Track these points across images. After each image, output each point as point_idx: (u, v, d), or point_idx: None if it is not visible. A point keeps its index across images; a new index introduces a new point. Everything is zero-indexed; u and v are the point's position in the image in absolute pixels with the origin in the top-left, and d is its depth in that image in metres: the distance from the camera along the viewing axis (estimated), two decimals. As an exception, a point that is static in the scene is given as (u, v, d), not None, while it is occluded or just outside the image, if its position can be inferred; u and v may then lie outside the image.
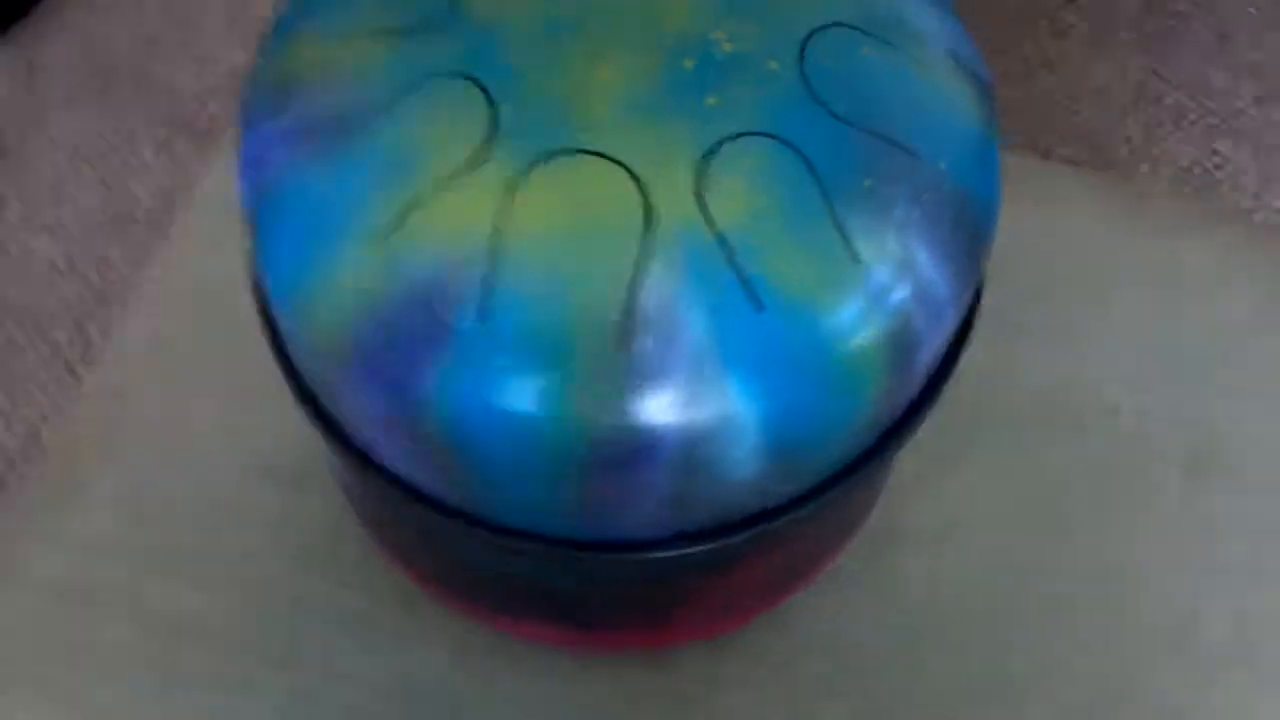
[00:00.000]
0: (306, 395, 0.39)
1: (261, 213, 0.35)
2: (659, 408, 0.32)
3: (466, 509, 0.37)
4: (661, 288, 0.32)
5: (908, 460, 0.53)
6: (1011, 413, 0.54)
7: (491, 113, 0.34)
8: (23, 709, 0.49)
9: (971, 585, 0.50)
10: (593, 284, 0.32)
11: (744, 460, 0.34)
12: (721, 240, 0.32)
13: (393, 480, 0.38)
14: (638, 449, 0.33)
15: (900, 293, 0.34)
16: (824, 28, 0.35)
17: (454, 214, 0.33)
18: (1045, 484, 0.53)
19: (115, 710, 0.48)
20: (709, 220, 0.33)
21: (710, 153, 0.33)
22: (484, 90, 0.34)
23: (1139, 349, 0.56)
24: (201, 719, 0.48)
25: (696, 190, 0.33)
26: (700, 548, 0.37)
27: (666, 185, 0.33)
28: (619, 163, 0.33)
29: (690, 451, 0.33)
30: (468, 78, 0.34)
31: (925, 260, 0.34)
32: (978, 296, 0.41)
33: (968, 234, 0.36)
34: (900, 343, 0.34)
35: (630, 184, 0.33)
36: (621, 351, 0.32)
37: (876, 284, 0.33)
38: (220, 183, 0.62)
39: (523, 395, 0.32)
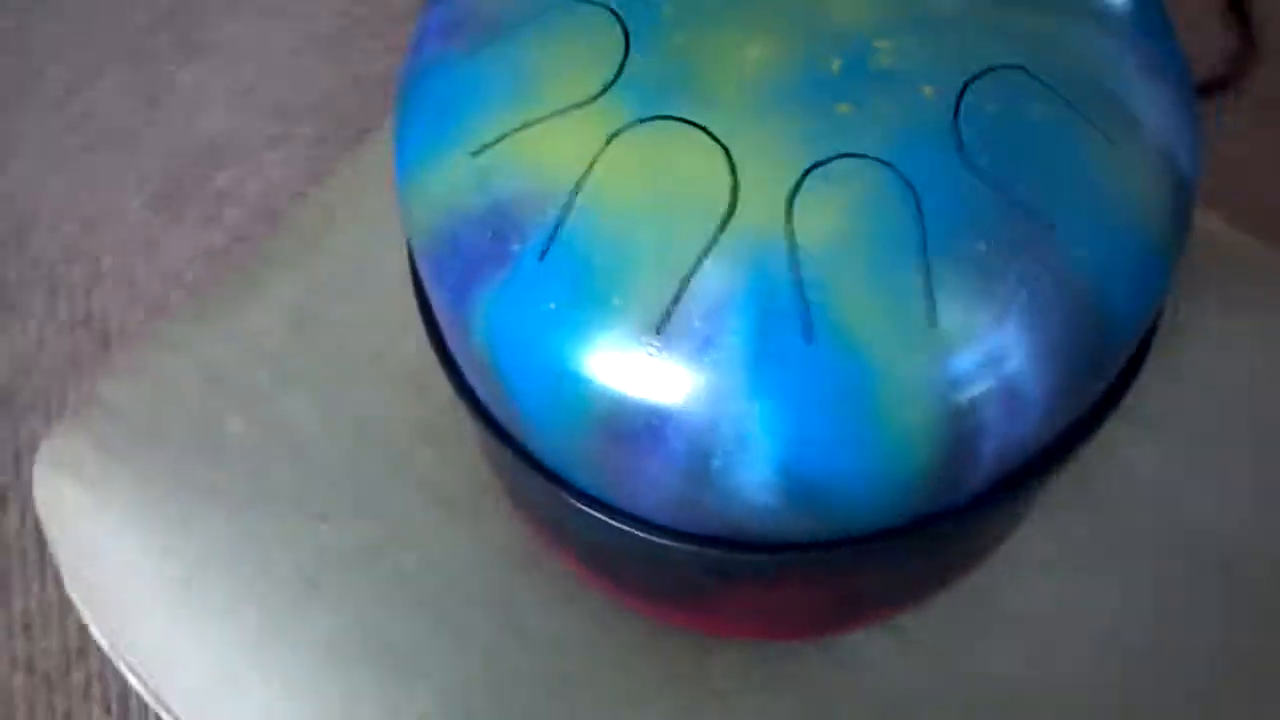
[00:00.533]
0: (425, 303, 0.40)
1: (404, 97, 0.36)
2: (674, 396, 0.31)
3: (514, 438, 0.38)
4: (718, 284, 0.31)
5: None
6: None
7: (622, 59, 0.33)
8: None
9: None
10: (651, 259, 0.31)
11: (755, 484, 0.32)
12: (794, 255, 0.30)
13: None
14: (646, 428, 0.32)
15: (975, 375, 0.31)
16: (1002, 68, 0.32)
17: (552, 148, 0.32)
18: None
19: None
20: (790, 231, 0.31)
21: (820, 163, 0.31)
22: (625, 32, 0.33)
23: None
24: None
25: (789, 197, 0.31)
26: (710, 551, 0.36)
27: (761, 182, 0.31)
28: (722, 144, 0.31)
29: (698, 452, 0.32)
30: (615, 14, 0.33)
31: (1018, 350, 0.31)
32: (1107, 403, 0.36)
33: (1088, 336, 0.32)
34: (960, 428, 0.31)
35: (725, 170, 0.31)
36: (656, 336, 0.31)
37: (948, 357, 0.30)
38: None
39: (555, 343, 0.32)
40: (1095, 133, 0.32)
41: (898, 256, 0.30)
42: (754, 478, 0.32)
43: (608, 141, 0.32)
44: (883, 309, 0.30)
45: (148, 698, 0.54)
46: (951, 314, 0.30)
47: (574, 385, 0.32)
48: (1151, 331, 0.38)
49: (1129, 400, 0.48)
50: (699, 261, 0.31)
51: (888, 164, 0.31)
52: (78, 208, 1.08)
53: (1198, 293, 0.51)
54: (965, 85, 0.32)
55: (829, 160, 0.31)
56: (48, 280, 1.04)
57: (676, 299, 0.31)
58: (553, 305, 0.32)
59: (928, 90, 0.32)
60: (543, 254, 0.32)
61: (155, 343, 0.57)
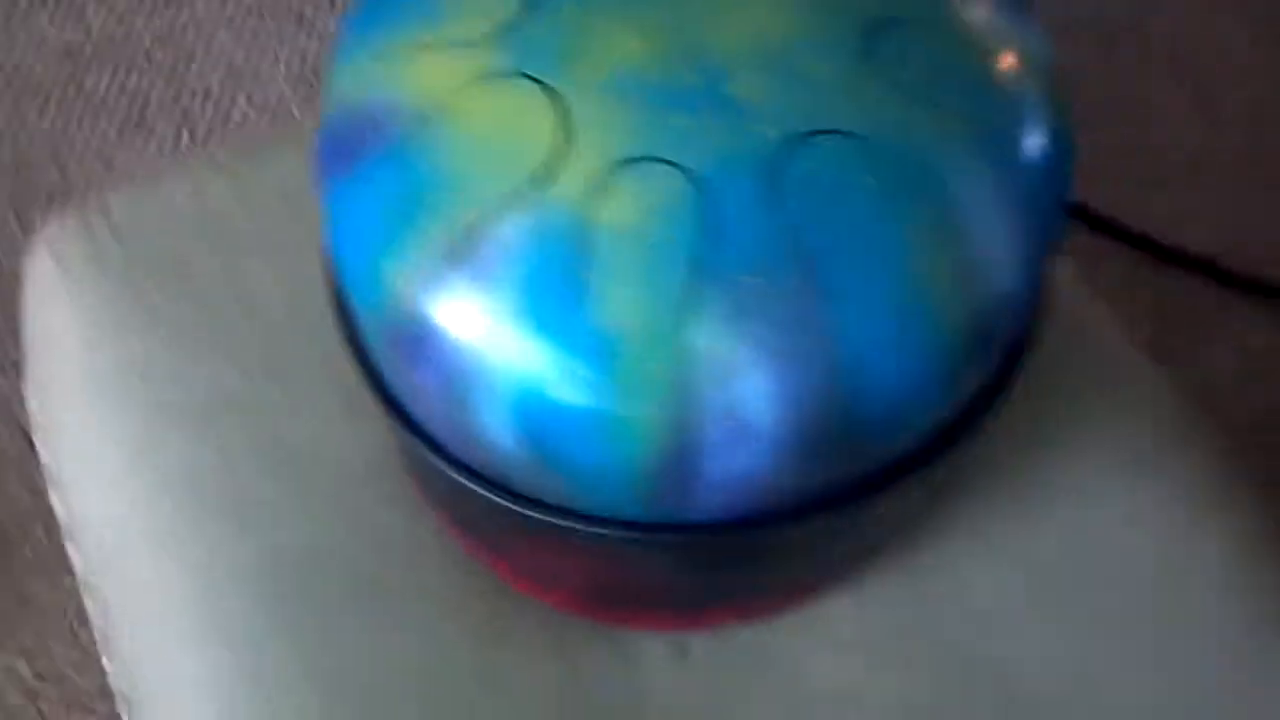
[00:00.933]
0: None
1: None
2: (445, 317, 0.34)
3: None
4: (511, 231, 0.33)
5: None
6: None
7: (516, 13, 0.36)
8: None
9: None
10: (463, 191, 0.34)
11: (496, 424, 0.35)
12: (584, 230, 0.33)
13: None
14: (415, 340, 0.35)
15: (705, 393, 0.33)
16: (847, 134, 0.34)
17: (426, 72, 0.36)
18: None
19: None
20: (587, 207, 0.33)
21: (638, 159, 0.33)
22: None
23: None
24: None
25: (601, 177, 0.33)
26: (475, 488, 0.38)
27: (584, 156, 0.33)
28: (565, 115, 0.34)
29: (455, 377, 0.34)
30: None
31: (753, 385, 0.33)
32: (866, 485, 0.38)
33: (836, 400, 0.34)
34: (682, 437, 0.33)
35: (558, 137, 0.34)
36: (443, 259, 0.34)
37: (683, 367, 0.33)
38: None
39: (369, 245, 0.35)
40: (909, 222, 0.34)
41: (671, 261, 0.32)
42: (495, 419, 0.35)
43: (471, 81, 0.35)
44: (641, 303, 0.32)
45: (51, 476, 0.59)
46: (701, 329, 0.32)
47: (377, 288, 0.35)
48: (951, 436, 0.39)
49: (972, 509, 0.49)
50: (502, 206, 0.33)
51: (698, 176, 0.33)
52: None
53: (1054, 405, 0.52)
54: (804, 136, 0.34)
55: (646, 160, 0.33)
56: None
57: (469, 232, 0.33)
58: (373, 208, 0.35)
59: (767, 130, 0.34)
60: (379, 161, 0.35)
61: (181, 176, 0.62)
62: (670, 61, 0.35)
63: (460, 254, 0.33)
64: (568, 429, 0.34)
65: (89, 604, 0.56)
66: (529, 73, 0.35)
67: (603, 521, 0.37)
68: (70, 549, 0.57)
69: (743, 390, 0.33)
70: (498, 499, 0.38)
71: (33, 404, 0.60)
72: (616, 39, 0.35)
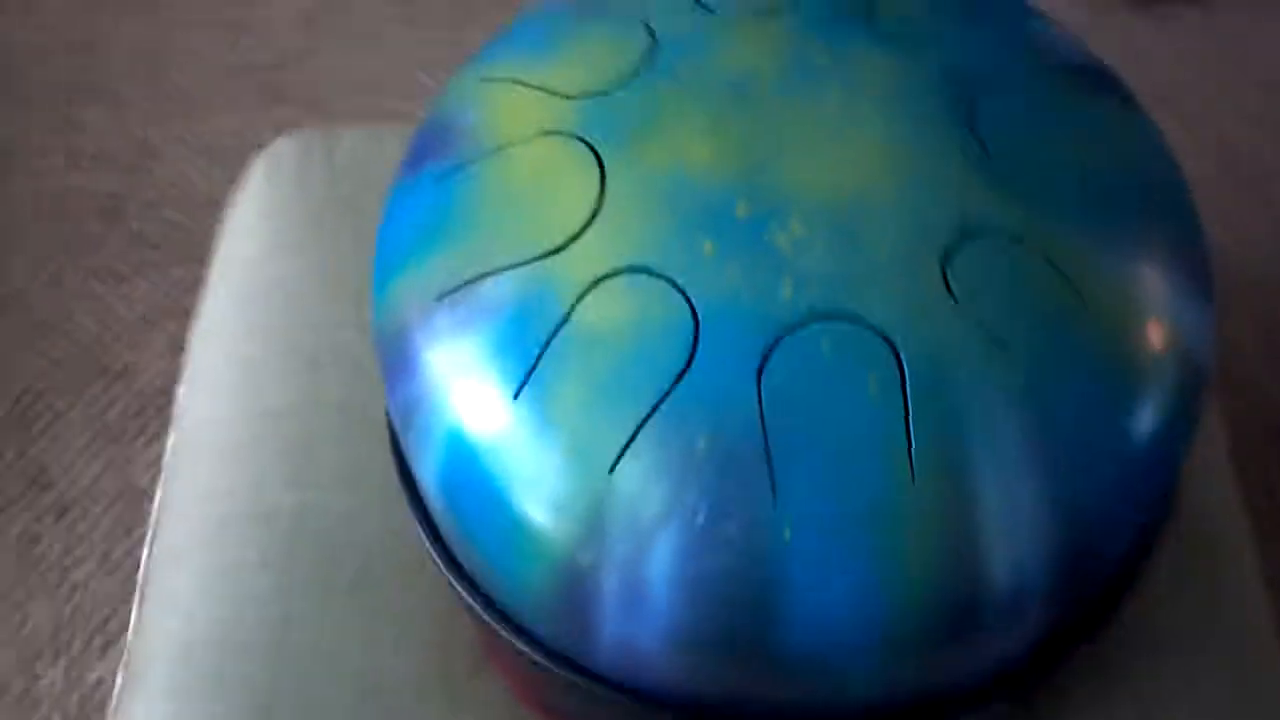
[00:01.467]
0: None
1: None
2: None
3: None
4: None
5: None
6: None
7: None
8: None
9: None
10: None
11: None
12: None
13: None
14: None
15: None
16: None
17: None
18: None
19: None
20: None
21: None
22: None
23: None
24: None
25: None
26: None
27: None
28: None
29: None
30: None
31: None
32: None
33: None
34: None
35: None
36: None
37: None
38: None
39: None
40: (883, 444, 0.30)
41: (628, 388, 0.30)
42: (427, 455, 0.33)
43: (538, 133, 0.33)
44: (585, 414, 0.30)
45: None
46: (633, 467, 0.29)
47: (381, 298, 0.35)
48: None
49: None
50: (505, 269, 0.32)
51: (699, 313, 0.30)
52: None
53: None
54: (822, 315, 0.30)
55: (654, 274, 0.31)
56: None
57: (468, 283, 0.32)
58: (405, 223, 0.34)
59: (791, 295, 0.30)
60: (429, 180, 0.34)
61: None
62: (730, 181, 0.32)
63: (453, 299, 0.32)
64: (480, 495, 0.32)
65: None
66: (592, 142, 0.33)
67: (517, 631, 0.35)
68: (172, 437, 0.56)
69: (651, 546, 0.30)
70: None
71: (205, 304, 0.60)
72: (691, 138, 0.32)
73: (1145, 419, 0.30)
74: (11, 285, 1.02)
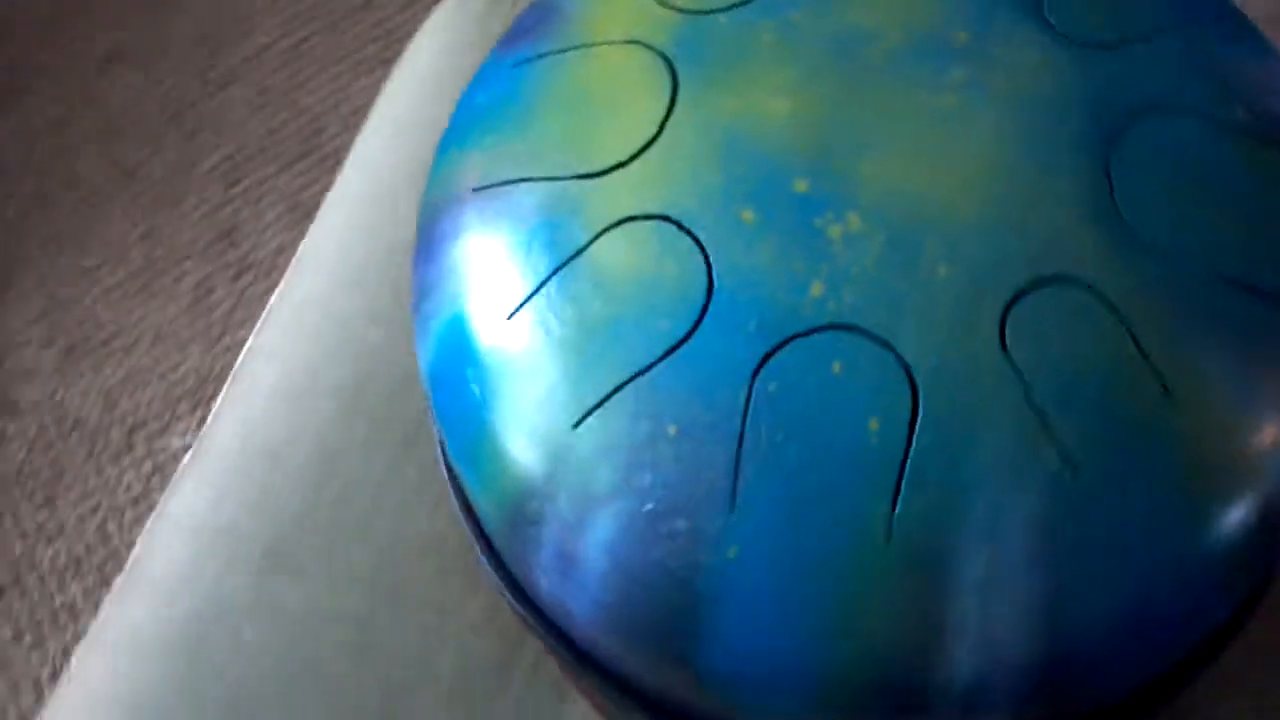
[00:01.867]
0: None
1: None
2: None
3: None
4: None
5: None
6: None
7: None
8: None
9: None
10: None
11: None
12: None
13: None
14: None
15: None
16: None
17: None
18: None
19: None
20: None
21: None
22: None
23: None
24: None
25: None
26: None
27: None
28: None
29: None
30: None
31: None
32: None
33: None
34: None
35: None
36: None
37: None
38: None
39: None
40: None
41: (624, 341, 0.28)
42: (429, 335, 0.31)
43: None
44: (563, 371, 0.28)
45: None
46: (594, 431, 0.27)
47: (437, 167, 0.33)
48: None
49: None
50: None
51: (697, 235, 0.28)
52: None
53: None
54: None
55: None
56: None
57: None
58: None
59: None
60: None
61: None
62: (799, 149, 0.28)
63: (487, 195, 0.30)
64: (457, 403, 0.30)
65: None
66: (675, 63, 0.29)
67: (484, 541, 0.33)
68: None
69: (594, 518, 0.27)
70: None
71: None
72: (775, 90, 0.28)
73: (1194, 563, 0.26)
74: (251, 50, 1.05)
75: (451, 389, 0.30)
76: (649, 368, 0.27)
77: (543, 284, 0.28)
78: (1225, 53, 0.30)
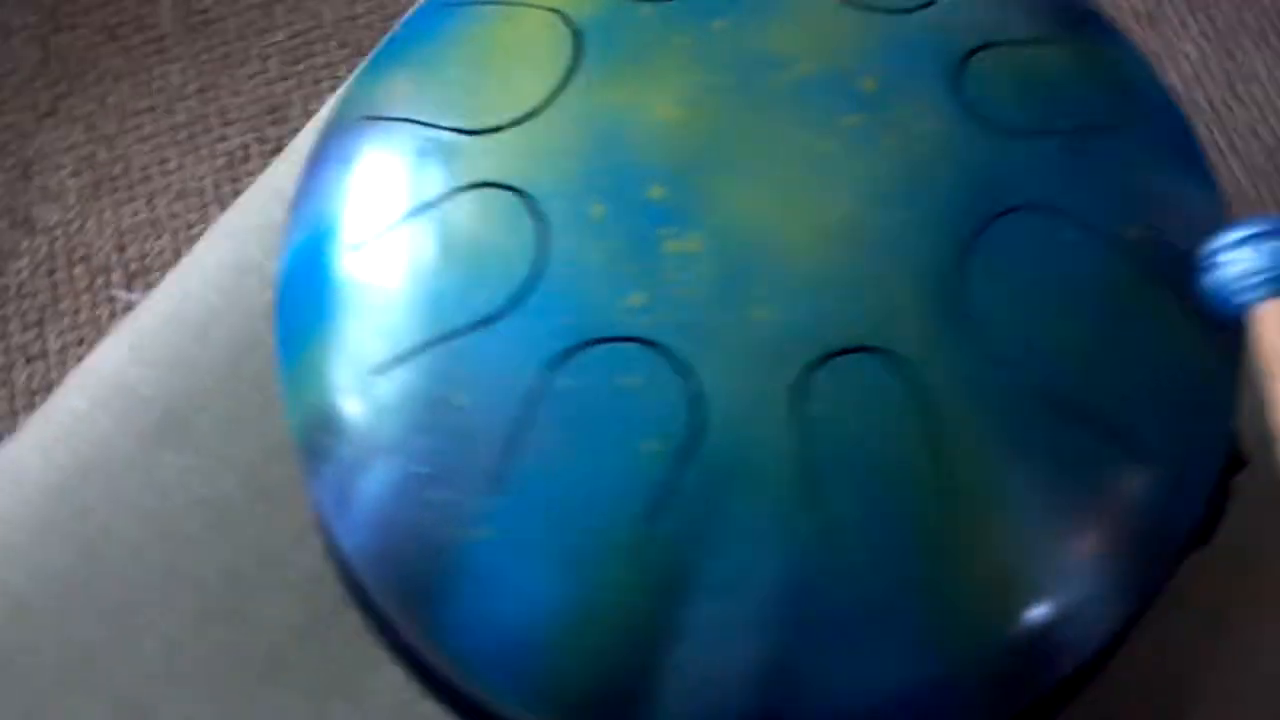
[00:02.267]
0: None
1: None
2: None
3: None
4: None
5: None
6: None
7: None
8: None
9: None
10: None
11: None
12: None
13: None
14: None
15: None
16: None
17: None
18: None
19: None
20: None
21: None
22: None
23: None
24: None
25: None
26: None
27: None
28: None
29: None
30: None
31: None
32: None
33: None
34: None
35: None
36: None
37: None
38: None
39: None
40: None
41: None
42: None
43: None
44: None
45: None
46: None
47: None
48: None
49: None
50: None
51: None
52: None
53: None
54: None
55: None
56: None
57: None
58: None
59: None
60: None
61: None
62: (669, 158, 0.27)
63: (380, 127, 0.30)
64: (294, 316, 0.30)
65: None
66: (587, 40, 0.29)
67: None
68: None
69: (370, 467, 0.27)
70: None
71: None
72: (666, 93, 0.28)
73: (932, 669, 0.25)
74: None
75: (290, 304, 0.30)
76: (455, 334, 0.26)
77: (391, 227, 0.28)
78: (1145, 165, 0.29)
